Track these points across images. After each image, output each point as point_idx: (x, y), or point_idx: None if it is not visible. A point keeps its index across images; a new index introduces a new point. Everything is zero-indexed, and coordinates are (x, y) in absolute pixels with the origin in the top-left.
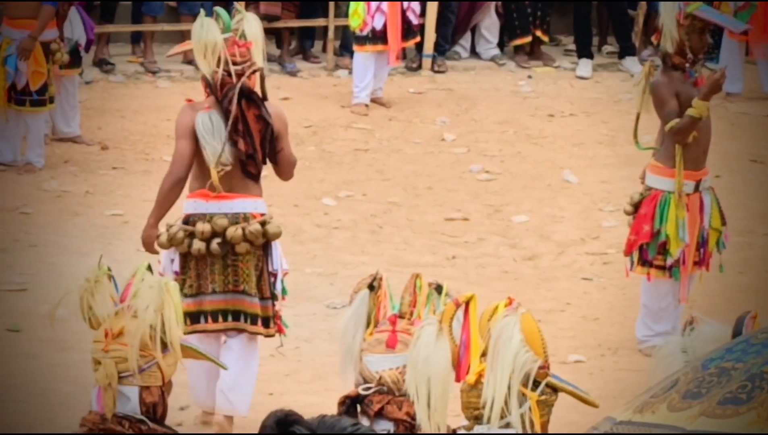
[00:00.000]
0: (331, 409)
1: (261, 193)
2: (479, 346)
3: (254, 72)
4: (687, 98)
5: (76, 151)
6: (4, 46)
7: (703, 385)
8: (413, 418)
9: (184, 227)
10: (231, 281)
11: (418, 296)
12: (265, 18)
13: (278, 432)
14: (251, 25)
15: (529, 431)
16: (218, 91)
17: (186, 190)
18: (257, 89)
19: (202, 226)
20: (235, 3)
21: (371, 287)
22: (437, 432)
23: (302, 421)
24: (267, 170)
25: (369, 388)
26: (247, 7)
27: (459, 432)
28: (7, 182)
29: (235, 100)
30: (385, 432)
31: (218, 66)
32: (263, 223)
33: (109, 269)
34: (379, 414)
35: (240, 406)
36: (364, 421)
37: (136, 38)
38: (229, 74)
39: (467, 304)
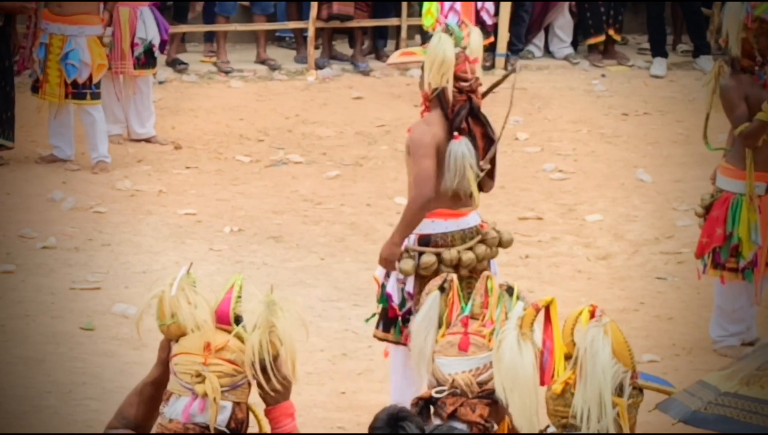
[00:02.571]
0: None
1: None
2: (562, 349)
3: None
4: (756, 101)
5: (150, 151)
6: (56, 43)
7: None
8: (487, 420)
9: (434, 252)
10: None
11: (490, 298)
12: (338, 18)
13: (389, 426)
14: (476, 40)
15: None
16: (449, 108)
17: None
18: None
19: (450, 255)
20: (462, 16)
21: (442, 289)
22: (531, 432)
23: (413, 419)
24: (338, 169)
25: (442, 391)
26: (320, 7)
27: (548, 433)
28: (81, 181)
29: (463, 117)
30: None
31: (448, 82)
32: (500, 243)
33: (195, 279)
34: (453, 416)
35: None
36: (437, 423)
37: (209, 38)
38: (459, 91)
39: (547, 308)
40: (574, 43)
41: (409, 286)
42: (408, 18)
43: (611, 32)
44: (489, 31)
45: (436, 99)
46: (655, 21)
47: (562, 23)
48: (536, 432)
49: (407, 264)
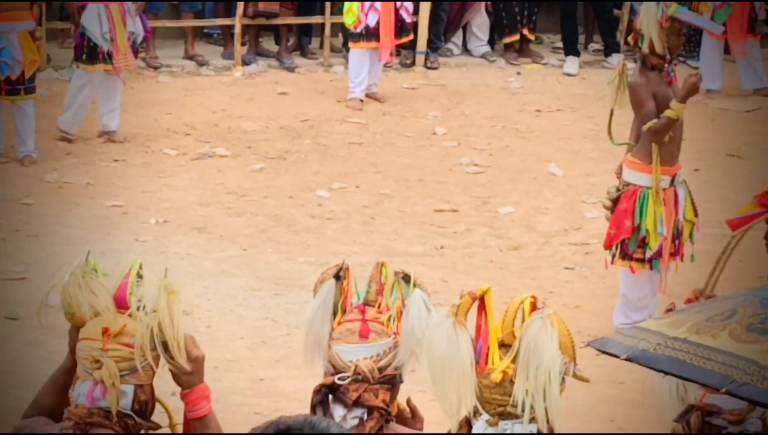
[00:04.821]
0: None
1: None
2: (497, 337)
3: None
4: (663, 98)
5: (78, 144)
6: None
7: None
8: (388, 405)
9: None
10: None
11: (385, 285)
12: (264, 15)
13: None
14: None
15: (552, 419)
16: None
17: None
18: None
19: None
20: None
21: (337, 277)
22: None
23: None
24: (262, 162)
25: (345, 378)
26: (246, 5)
27: (478, 432)
28: (9, 173)
29: None
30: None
31: None
32: None
33: (96, 265)
34: (357, 402)
35: None
36: (339, 409)
37: None
38: None
39: (482, 296)
40: (491, 42)
41: None
42: (331, 16)
43: (525, 31)
44: (408, 29)
45: None
46: (568, 21)
47: (479, 22)
48: (462, 419)
49: None
